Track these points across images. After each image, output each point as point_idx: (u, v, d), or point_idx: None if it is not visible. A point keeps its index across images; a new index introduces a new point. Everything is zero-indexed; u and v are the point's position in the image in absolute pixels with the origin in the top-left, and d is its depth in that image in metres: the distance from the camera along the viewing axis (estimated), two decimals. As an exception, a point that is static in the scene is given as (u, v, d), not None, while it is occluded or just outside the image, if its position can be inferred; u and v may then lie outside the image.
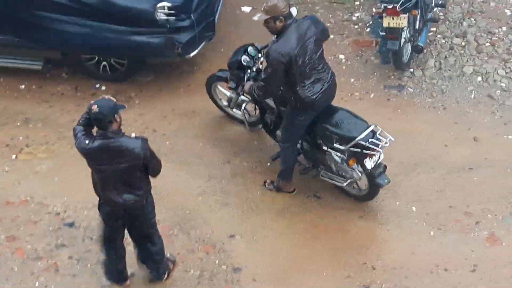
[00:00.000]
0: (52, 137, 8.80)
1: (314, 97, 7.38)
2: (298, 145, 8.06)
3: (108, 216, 6.86)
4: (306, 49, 7.22)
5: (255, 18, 7.52)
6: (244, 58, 7.93)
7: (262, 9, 7.18)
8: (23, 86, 9.46)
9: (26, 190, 8.30)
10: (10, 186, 8.35)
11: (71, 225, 7.94)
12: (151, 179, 6.81)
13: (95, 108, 6.30)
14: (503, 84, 9.26)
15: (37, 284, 7.46)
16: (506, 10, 10.11)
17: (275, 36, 7.27)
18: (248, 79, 7.90)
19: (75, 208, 8.03)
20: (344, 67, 9.40)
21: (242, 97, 8.38)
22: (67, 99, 9.25)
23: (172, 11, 8.77)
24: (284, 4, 7.12)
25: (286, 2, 7.23)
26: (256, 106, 8.37)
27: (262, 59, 8.07)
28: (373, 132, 7.45)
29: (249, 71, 7.97)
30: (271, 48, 7.22)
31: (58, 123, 8.93)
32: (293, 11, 7.25)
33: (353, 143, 7.41)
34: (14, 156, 8.65)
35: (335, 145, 7.62)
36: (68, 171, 8.34)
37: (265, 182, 8.30)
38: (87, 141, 6.36)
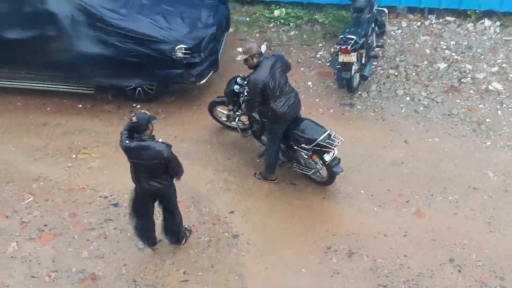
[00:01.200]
0: (101, 142, 8.87)
1: (284, 110, 7.57)
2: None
3: (139, 196, 6.97)
4: (275, 77, 7.42)
5: (238, 58, 7.52)
6: (236, 87, 8.09)
7: (241, 51, 7.49)
8: (80, 106, 9.48)
9: (83, 180, 8.42)
10: (72, 177, 8.45)
11: (115, 205, 8.08)
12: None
13: (134, 118, 6.47)
14: (425, 102, 9.29)
15: (91, 248, 7.60)
16: (426, 50, 10.13)
17: (249, 67, 7.51)
18: (243, 102, 8.02)
19: (118, 193, 8.15)
20: (311, 91, 9.46)
21: (237, 113, 8.44)
22: (112, 115, 9.29)
23: (187, 51, 8.75)
24: (256, 46, 7.46)
25: (257, 44, 7.54)
26: (248, 118, 8.44)
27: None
28: (329, 135, 7.62)
29: (241, 95, 8.10)
30: (250, 77, 7.43)
31: (106, 132, 8.99)
32: (263, 48, 7.52)
33: (315, 143, 7.58)
34: (74, 156, 8.74)
35: (302, 145, 7.77)
36: (113, 166, 8.46)
37: (255, 173, 8.40)
38: (127, 141, 6.50)
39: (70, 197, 8.18)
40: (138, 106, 9.37)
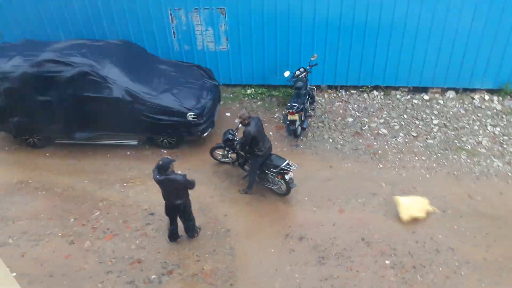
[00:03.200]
0: (142, 175, 8.67)
1: (265, 149, 7.61)
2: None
3: (169, 209, 6.86)
4: (260, 129, 7.48)
5: (236, 121, 7.76)
6: (230, 136, 8.10)
7: (238, 118, 7.56)
8: (128, 153, 9.29)
9: (131, 199, 8.23)
10: (124, 198, 8.25)
11: (152, 214, 7.90)
12: (190, 191, 6.80)
13: (160, 161, 6.38)
14: (341, 142, 9.26)
15: (137, 242, 7.44)
16: (340, 110, 10.13)
17: (243, 125, 7.53)
18: (236, 145, 8.02)
19: (154, 206, 7.97)
20: (273, 138, 9.33)
21: (229, 152, 8.40)
22: (149, 158, 9.09)
23: (195, 116, 8.68)
24: (247, 113, 7.49)
25: (248, 112, 7.57)
26: (236, 154, 8.35)
27: (236, 135, 8.21)
28: (288, 163, 7.63)
29: (234, 142, 8.10)
30: (245, 130, 7.46)
31: (145, 168, 8.78)
32: (244, 111, 7.78)
33: (279, 168, 7.59)
34: (125, 184, 8.53)
35: (271, 169, 7.74)
36: (150, 190, 8.25)
37: (240, 190, 8.26)
38: (158, 176, 6.42)
39: (123, 210, 8.00)
40: (165, 152, 9.20)
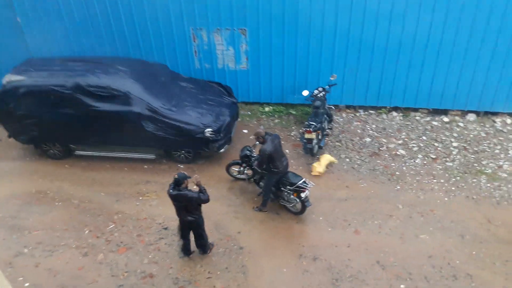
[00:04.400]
0: (158, 189, 8.69)
1: (282, 168, 7.52)
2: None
3: (182, 225, 6.82)
4: (276, 147, 7.40)
5: (252, 137, 7.70)
6: (247, 153, 8.13)
7: (254, 135, 7.49)
8: (146, 166, 9.34)
9: (146, 213, 8.22)
10: (139, 211, 8.25)
11: (166, 228, 7.86)
12: (203, 207, 6.77)
13: (176, 176, 6.37)
14: (358, 162, 9.15)
15: (150, 256, 7.38)
16: (358, 130, 10.07)
17: (259, 143, 7.47)
18: (253, 161, 8.00)
19: (168, 220, 7.96)
20: (289, 156, 9.26)
21: (246, 168, 8.37)
22: (165, 172, 9.12)
23: (213, 132, 8.71)
24: (263, 131, 7.44)
25: (263, 130, 7.54)
26: (252, 171, 8.32)
27: (254, 152, 8.21)
28: (304, 181, 7.53)
29: (252, 158, 8.09)
30: (261, 148, 7.39)
31: (161, 182, 8.81)
32: (261, 128, 7.58)
33: (295, 186, 7.49)
34: (140, 198, 8.54)
35: (287, 187, 7.65)
36: (165, 204, 8.17)
37: (254, 207, 8.19)
38: (171, 191, 6.42)
39: (137, 224, 8.00)
40: (182, 166, 9.21)
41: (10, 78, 8.73)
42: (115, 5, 9.93)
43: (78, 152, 9.42)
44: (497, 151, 9.24)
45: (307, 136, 8.90)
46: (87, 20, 10.19)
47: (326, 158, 8.99)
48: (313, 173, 8.78)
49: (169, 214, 7.85)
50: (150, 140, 8.78)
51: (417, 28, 9.31)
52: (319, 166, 8.83)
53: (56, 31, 10.37)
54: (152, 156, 9.28)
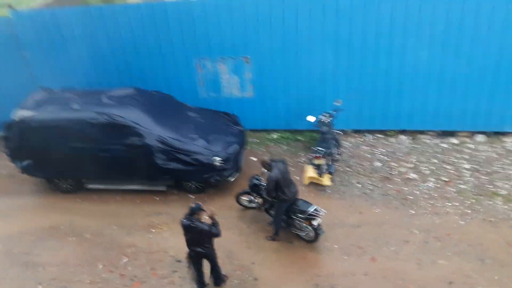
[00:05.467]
0: (170, 221, 8.61)
1: (291, 195, 7.42)
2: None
3: (192, 256, 6.72)
4: (284, 174, 7.30)
5: (258, 163, 7.61)
6: (256, 182, 8.04)
7: (260, 163, 7.43)
8: (157, 198, 9.28)
9: (158, 245, 8.14)
10: (151, 244, 8.12)
11: (179, 261, 7.73)
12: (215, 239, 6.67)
13: (193, 205, 6.34)
14: (370, 187, 9.03)
15: (165, 290, 7.21)
16: (367, 155, 10.00)
17: (266, 170, 7.40)
18: (264, 190, 7.92)
19: (181, 253, 7.69)
20: (297, 182, 9.08)
21: (256, 199, 8.31)
22: (177, 203, 9.05)
23: (222, 161, 8.71)
24: (269, 158, 7.41)
25: (269, 158, 7.56)
26: (262, 199, 8.22)
27: (262, 180, 8.14)
28: (316, 208, 7.43)
29: (262, 187, 8.02)
30: (268, 176, 7.30)
31: (173, 214, 8.73)
32: (267, 156, 7.61)
33: (306, 213, 7.39)
34: (153, 230, 8.47)
35: (298, 215, 7.55)
36: (177, 236, 7.98)
37: (266, 236, 8.08)
38: (184, 220, 6.36)
39: (150, 257, 7.89)
40: (193, 197, 9.16)
41: (22, 113, 8.80)
42: (119, 39, 10.17)
43: (89, 186, 9.42)
44: (510, 171, 9.12)
45: (316, 162, 8.86)
46: (93, 53, 10.40)
47: (309, 169, 9.21)
48: (305, 182, 8.98)
49: (181, 246, 7.61)
50: (160, 172, 8.72)
51: (419, 53, 9.38)
52: (308, 172, 9.06)
53: (62, 63, 10.58)
54: (163, 188, 9.25)
